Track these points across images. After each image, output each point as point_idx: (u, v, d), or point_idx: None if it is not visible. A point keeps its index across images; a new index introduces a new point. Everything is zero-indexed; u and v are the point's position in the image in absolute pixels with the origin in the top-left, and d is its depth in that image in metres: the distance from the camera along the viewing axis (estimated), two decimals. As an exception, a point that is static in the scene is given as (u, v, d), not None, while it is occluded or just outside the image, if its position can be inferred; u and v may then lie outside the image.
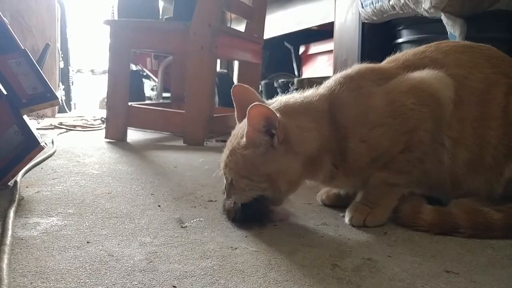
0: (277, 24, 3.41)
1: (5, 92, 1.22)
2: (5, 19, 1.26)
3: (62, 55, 3.71)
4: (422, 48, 1.09)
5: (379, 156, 0.96)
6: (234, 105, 1.02)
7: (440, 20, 1.63)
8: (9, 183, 1.21)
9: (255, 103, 0.87)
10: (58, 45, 3.56)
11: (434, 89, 0.97)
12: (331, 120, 0.96)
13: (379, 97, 0.97)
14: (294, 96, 1.01)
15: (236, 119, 1.03)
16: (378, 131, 0.95)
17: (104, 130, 2.28)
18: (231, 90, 1.01)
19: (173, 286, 0.66)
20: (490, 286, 0.70)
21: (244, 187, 0.93)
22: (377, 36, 2.28)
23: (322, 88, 1.02)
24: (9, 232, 0.83)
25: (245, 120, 0.95)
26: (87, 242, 0.83)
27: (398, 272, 0.74)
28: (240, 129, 0.95)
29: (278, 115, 0.88)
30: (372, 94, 0.97)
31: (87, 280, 0.67)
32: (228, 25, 2.79)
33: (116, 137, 2.18)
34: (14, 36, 1.25)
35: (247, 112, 0.87)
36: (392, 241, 0.90)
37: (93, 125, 2.86)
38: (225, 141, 1.00)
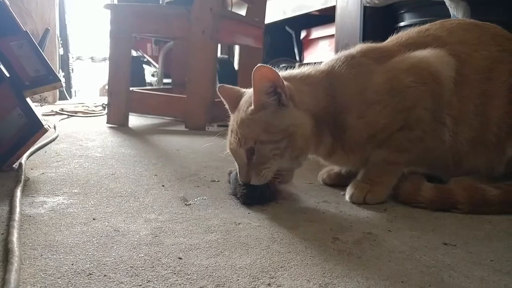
0: (278, 8, 3.40)
1: (7, 75, 1.23)
2: (6, 1, 1.27)
3: (61, 42, 3.70)
4: (426, 26, 1.10)
5: (377, 133, 0.98)
6: (224, 102, 1.06)
7: (443, 3, 1.63)
8: (14, 165, 1.23)
9: (258, 64, 0.90)
10: (57, 31, 3.54)
11: (434, 68, 0.98)
12: (328, 93, 0.99)
13: (378, 75, 0.98)
14: (293, 70, 1.05)
15: (229, 111, 1.06)
16: (376, 108, 0.97)
17: (105, 116, 2.30)
18: (217, 90, 1.07)
19: (179, 258, 0.68)
20: (486, 257, 0.72)
21: (268, 153, 0.93)
22: (379, 20, 2.28)
23: (323, 64, 1.05)
24: (17, 209, 0.85)
25: (240, 105, 0.98)
26: (93, 219, 0.85)
27: (398, 245, 0.76)
28: (238, 115, 0.97)
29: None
30: (371, 72, 0.99)
31: (95, 253, 0.69)
32: (229, 9, 2.78)
33: (118, 122, 2.19)
34: (16, 19, 1.26)
35: (252, 77, 0.90)
36: (392, 217, 0.91)
37: (94, 111, 2.87)
38: (226, 125, 1.02)
